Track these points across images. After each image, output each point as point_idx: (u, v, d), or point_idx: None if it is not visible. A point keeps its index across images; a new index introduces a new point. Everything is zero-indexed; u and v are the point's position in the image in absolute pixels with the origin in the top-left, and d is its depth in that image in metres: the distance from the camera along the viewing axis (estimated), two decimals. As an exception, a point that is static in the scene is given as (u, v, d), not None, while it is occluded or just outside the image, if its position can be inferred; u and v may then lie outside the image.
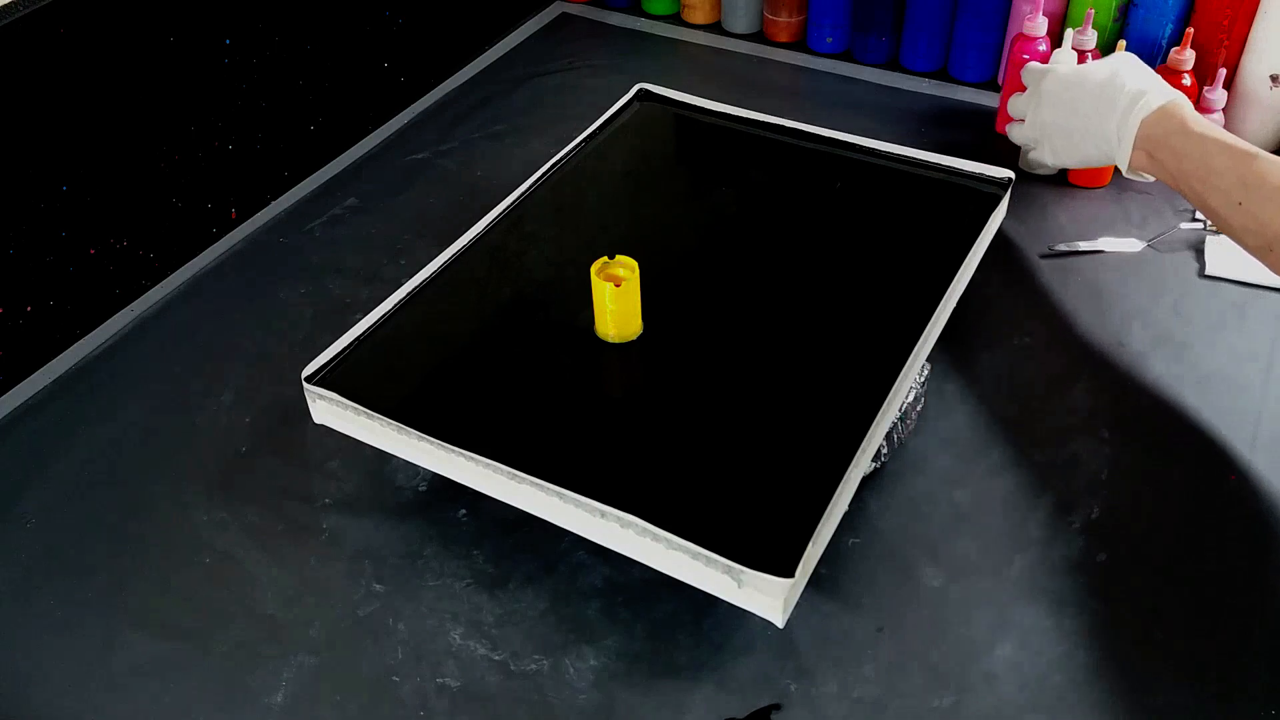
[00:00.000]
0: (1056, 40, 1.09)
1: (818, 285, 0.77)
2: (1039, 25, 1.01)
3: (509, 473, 0.63)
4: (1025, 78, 0.96)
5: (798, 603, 0.59)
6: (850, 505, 0.65)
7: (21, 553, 0.73)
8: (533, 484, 0.62)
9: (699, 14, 1.30)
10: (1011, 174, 0.85)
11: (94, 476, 0.78)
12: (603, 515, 0.61)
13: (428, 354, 0.73)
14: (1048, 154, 0.93)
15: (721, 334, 0.73)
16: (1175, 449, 0.76)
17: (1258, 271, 0.88)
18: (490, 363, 0.72)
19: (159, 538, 0.74)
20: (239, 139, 0.99)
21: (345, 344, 0.73)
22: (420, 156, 1.11)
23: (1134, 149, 0.83)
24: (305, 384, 0.70)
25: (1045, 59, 1.04)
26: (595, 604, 0.68)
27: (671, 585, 0.60)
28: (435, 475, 0.69)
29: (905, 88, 1.17)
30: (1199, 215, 0.94)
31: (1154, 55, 1.04)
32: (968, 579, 0.68)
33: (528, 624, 0.67)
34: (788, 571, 0.56)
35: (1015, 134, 0.97)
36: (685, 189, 0.90)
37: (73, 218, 0.86)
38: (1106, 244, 0.93)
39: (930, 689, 0.63)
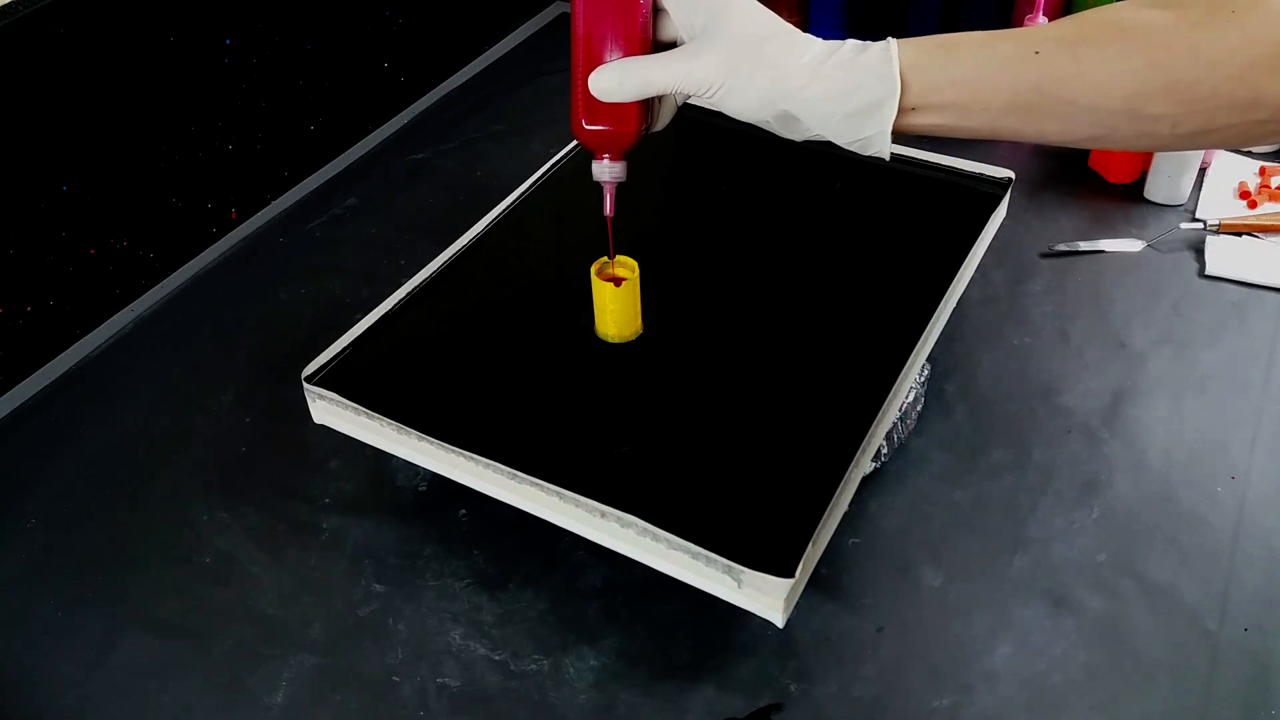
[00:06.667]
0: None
1: (818, 285, 0.77)
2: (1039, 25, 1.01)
3: (509, 473, 0.63)
4: None
5: (798, 603, 0.59)
6: (850, 505, 0.65)
7: (21, 553, 0.73)
8: (533, 484, 0.62)
9: (699, 14, 1.29)
10: (1011, 174, 0.85)
11: (94, 476, 0.78)
12: (603, 515, 0.61)
13: (427, 354, 0.73)
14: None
15: (721, 334, 0.73)
16: (1175, 449, 0.76)
17: (1258, 271, 0.89)
18: (490, 363, 0.72)
19: (159, 538, 0.74)
20: (239, 139, 0.99)
21: (345, 344, 0.73)
22: (420, 156, 1.11)
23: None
24: (305, 384, 0.70)
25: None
26: (595, 604, 0.68)
27: (671, 585, 0.60)
28: (435, 475, 0.69)
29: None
30: (1199, 215, 0.94)
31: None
32: (968, 579, 0.68)
33: (528, 624, 0.67)
34: (788, 571, 0.56)
35: None
36: (685, 189, 0.90)
37: (73, 218, 0.86)
38: (1106, 244, 0.93)
39: (930, 689, 0.63)
